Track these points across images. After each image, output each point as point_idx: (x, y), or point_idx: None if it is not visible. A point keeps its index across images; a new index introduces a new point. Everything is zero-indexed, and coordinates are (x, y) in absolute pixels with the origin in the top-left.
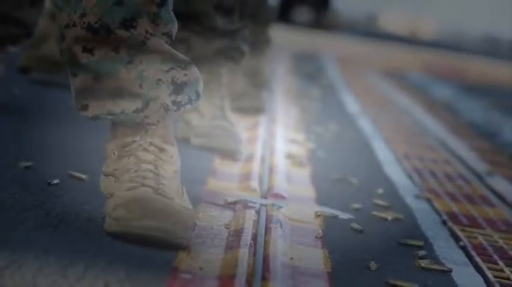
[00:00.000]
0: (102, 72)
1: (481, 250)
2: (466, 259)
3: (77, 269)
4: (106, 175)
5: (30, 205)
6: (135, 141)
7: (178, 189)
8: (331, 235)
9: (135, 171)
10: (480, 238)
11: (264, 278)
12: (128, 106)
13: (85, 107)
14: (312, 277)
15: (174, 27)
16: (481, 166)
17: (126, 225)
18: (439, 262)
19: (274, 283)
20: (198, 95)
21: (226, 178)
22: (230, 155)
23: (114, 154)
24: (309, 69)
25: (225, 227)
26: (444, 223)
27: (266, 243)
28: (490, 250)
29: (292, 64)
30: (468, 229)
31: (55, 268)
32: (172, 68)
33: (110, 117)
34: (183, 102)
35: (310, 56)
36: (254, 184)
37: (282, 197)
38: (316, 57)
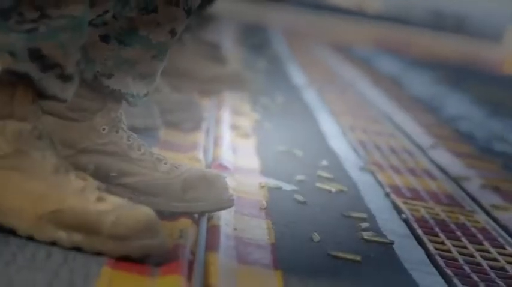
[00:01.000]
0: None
1: (423, 222)
2: (408, 231)
3: (20, 239)
4: (93, 151)
5: None
6: (117, 116)
7: None
8: (275, 206)
9: (140, 151)
10: (422, 210)
11: (208, 249)
12: (144, 88)
13: (109, 76)
14: (256, 248)
15: None
16: (425, 140)
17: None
18: (381, 234)
19: (218, 253)
20: None
21: (172, 148)
22: (177, 125)
23: (104, 130)
24: (255, 41)
25: None
26: (387, 195)
27: (210, 214)
28: (432, 222)
29: (238, 35)
30: (411, 201)
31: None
32: None
33: (127, 96)
34: None
35: (257, 28)
36: (199, 154)
37: (226, 168)
38: (263, 28)
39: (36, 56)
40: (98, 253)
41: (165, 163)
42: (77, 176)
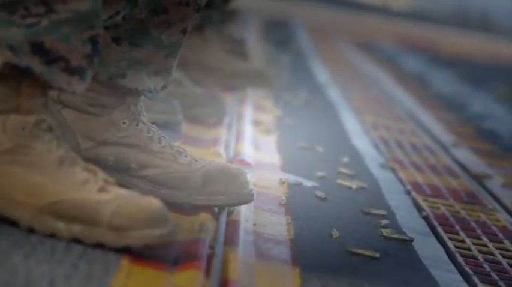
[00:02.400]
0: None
1: (443, 220)
2: (428, 229)
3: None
4: (113, 143)
5: None
6: (137, 109)
7: None
8: (295, 202)
9: (160, 143)
10: (443, 208)
11: (227, 244)
12: (161, 82)
13: (123, 76)
14: (275, 244)
15: None
16: (447, 137)
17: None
18: (401, 231)
19: (237, 248)
20: None
21: (193, 143)
22: (200, 120)
23: (124, 123)
24: (279, 37)
25: None
26: (408, 192)
27: (229, 208)
28: (452, 220)
29: (262, 31)
30: (431, 199)
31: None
32: None
33: (145, 92)
34: None
35: (282, 24)
36: (220, 149)
37: (247, 164)
38: (287, 24)
39: (39, 49)
40: (99, 245)
41: (185, 156)
42: (85, 169)
